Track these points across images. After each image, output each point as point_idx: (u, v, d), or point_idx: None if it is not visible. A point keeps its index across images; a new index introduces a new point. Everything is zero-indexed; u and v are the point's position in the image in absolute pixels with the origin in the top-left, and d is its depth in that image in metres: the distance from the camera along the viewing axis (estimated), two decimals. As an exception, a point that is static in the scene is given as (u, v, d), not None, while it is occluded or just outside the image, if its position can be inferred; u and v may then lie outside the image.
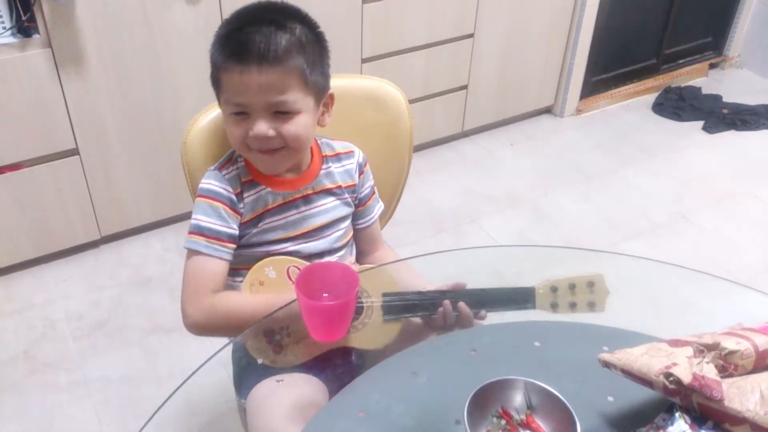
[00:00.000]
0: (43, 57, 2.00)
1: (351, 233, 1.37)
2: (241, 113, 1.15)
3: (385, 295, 1.18)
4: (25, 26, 1.94)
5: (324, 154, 1.30)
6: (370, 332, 1.17)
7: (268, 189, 1.24)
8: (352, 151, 1.34)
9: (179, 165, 1.36)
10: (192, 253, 1.19)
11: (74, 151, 2.19)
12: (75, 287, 2.27)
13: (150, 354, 2.05)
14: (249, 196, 1.22)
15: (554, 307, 1.15)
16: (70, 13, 1.97)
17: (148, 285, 2.29)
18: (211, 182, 1.21)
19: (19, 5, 1.90)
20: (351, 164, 1.32)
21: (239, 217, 1.22)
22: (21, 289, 2.26)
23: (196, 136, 1.33)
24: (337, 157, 1.31)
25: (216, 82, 1.18)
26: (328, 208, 1.29)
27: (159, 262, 2.37)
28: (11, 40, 1.96)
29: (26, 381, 1.96)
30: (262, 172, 1.24)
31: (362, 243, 1.41)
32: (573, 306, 1.15)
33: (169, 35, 2.15)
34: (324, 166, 1.29)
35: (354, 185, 1.32)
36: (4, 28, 1.95)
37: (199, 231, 1.19)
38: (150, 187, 2.38)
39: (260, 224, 1.24)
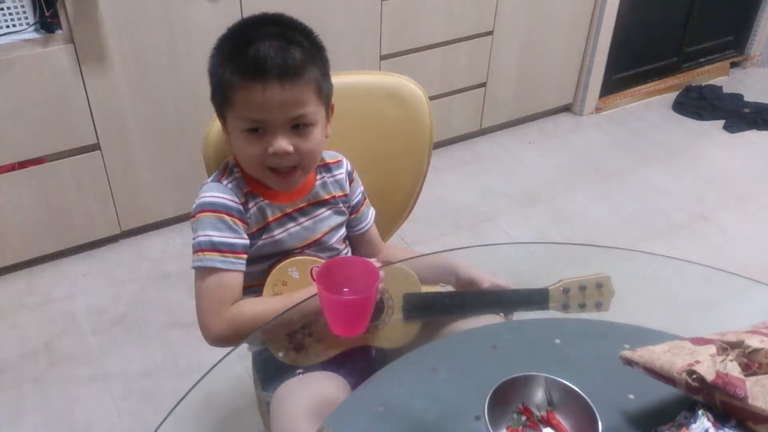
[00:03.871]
0: (65, 53, 2.02)
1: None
2: (255, 130, 1.12)
3: (406, 296, 1.19)
4: (48, 22, 1.97)
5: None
6: (390, 331, 1.17)
7: (267, 201, 1.21)
8: (340, 161, 1.32)
9: (200, 161, 1.37)
10: (207, 271, 1.16)
11: (95, 146, 2.21)
12: (95, 281, 2.29)
13: (169, 348, 2.06)
14: (252, 207, 1.20)
15: (566, 308, 1.20)
16: (93, 10, 1.99)
17: (168, 280, 2.31)
18: (215, 195, 1.18)
19: (42, 1, 1.92)
20: (341, 174, 1.31)
21: (247, 227, 1.19)
22: (42, 282, 2.28)
23: (218, 132, 1.33)
24: (327, 167, 1.30)
25: (225, 99, 1.14)
26: (323, 218, 1.28)
27: (178, 257, 2.39)
28: (34, 35, 1.98)
29: (46, 374, 1.98)
30: (261, 185, 1.21)
31: (364, 248, 1.39)
32: (582, 306, 1.20)
33: (190, 31, 2.16)
34: (318, 177, 1.28)
35: (346, 195, 1.31)
36: (27, 23, 1.97)
37: (213, 247, 1.16)
38: (170, 182, 2.39)
39: (263, 237, 1.22)
